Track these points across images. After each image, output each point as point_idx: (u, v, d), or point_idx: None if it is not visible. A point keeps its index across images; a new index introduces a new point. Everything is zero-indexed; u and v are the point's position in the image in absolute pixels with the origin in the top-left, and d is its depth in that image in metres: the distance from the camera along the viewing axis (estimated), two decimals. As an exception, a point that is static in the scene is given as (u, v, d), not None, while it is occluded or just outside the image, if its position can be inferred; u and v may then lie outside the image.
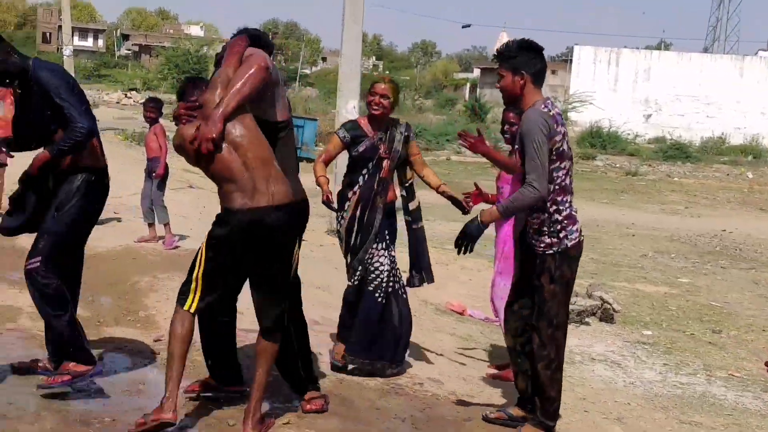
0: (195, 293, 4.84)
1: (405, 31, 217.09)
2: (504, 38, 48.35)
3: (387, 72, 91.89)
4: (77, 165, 5.42)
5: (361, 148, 6.53)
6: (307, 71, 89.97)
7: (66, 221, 5.40)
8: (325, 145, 6.98)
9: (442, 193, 6.58)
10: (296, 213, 4.93)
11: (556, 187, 5.24)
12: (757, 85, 50.62)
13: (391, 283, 6.55)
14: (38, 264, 5.33)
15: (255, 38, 5.16)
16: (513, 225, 6.45)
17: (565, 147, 5.25)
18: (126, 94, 59.95)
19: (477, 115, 46.91)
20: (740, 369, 8.47)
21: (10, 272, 8.18)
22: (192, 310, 4.85)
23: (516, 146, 5.41)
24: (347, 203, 6.54)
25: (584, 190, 24.29)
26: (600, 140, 41.77)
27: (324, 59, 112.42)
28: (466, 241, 5.33)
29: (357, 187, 6.53)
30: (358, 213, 6.49)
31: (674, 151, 39.83)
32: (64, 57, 33.42)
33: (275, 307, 5.00)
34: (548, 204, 5.23)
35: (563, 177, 5.27)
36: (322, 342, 7.02)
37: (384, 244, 6.57)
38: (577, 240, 5.33)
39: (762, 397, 7.68)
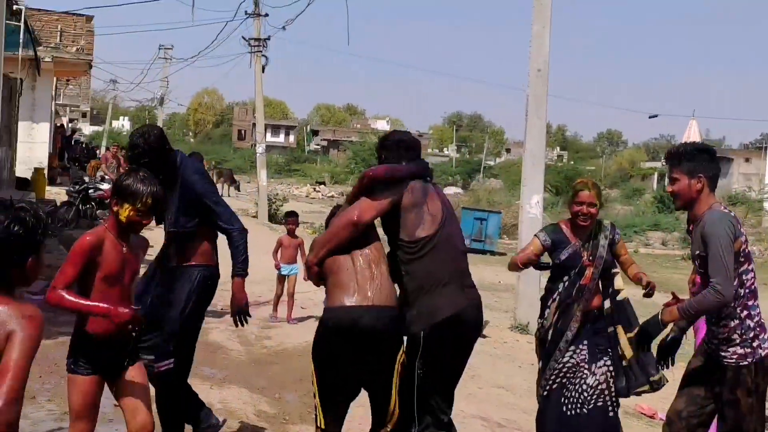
0: (318, 408, 4.84)
1: (590, 121, 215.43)
2: (694, 127, 47.22)
3: (572, 162, 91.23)
4: (193, 262, 5.64)
5: (563, 256, 6.11)
6: (491, 162, 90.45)
7: (190, 320, 5.60)
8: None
9: (634, 278, 6.16)
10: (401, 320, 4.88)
11: (747, 291, 4.95)
12: None
13: (594, 399, 6.05)
14: (172, 366, 5.50)
15: (397, 143, 5.33)
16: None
17: (749, 249, 5.00)
18: (315, 188, 61.88)
19: (665, 206, 45.74)
20: None
21: (201, 367, 8.40)
22: (323, 426, 4.81)
23: (697, 251, 5.14)
24: (547, 311, 6.17)
25: (783, 284, 23.14)
26: (799, 230, 39.89)
27: (508, 150, 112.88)
28: (643, 339, 5.29)
29: (556, 293, 6.15)
30: (554, 319, 6.12)
31: None
32: (258, 154, 34.69)
33: (387, 406, 4.87)
34: (738, 310, 4.94)
35: (752, 280, 4.98)
36: (506, 446, 6.84)
37: (588, 357, 6.07)
38: None
39: None
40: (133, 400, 4.44)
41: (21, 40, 19.30)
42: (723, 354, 4.99)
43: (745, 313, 4.95)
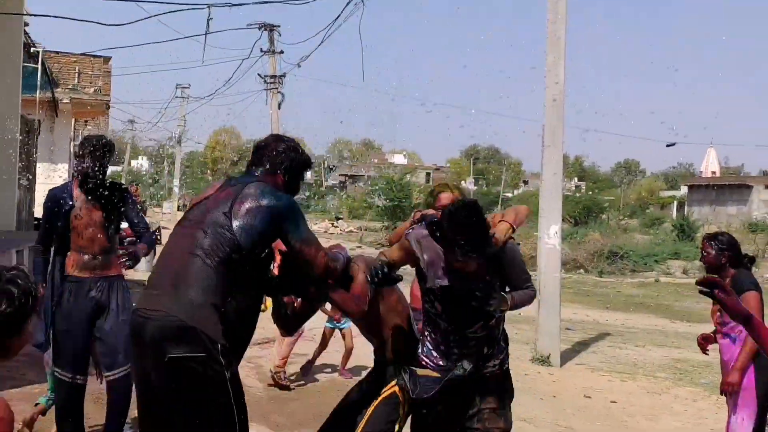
0: None
1: (608, 151, 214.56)
2: (712, 155, 47.18)
3: (590, 193, 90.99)
4: (120, 271, 6.22)
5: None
6: (510, 194, 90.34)
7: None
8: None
9: None
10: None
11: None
12: None
13: None
14: (128, 371, 5.81)
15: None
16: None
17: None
18: (333, 223, 61.84)
19: (686, 234, 45.52)
20: None
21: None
22: None
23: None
24: None
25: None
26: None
27: (525, 182, 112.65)
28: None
29: None
30: None
31: None
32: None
33: None
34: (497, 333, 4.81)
35: None
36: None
37: None
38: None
39: None
40: None
41: (39, 82, 19.50)
42: (489, 365, 4.77)
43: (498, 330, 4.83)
